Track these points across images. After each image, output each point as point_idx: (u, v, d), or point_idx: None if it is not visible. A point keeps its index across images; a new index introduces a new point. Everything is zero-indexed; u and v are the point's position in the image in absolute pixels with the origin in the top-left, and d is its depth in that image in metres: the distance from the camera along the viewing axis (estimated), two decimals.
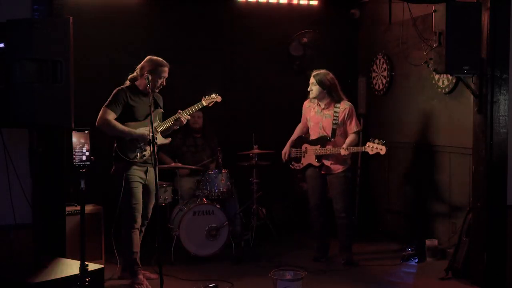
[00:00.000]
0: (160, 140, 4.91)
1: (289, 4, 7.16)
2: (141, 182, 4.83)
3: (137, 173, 4.80)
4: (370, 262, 5.69)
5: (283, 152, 5.80)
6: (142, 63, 4.85)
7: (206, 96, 5.20)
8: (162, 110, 5.01)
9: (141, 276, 4.83)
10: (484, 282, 4.86)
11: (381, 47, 6.91)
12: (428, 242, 5.77)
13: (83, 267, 3.61)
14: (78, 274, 3.61)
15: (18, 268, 3.85)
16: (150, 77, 4.65)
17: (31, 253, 3.88)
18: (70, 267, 3.82)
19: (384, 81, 6.86)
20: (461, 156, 5.61)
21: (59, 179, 4.35)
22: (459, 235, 5.24)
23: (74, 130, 3.67)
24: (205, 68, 6.92)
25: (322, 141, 5.54)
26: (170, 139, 5.07)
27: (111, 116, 4.69)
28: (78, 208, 5.23)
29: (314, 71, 5.60)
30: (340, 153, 5.35)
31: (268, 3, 7.04)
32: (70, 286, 3.62)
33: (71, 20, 3.72)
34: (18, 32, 3.59)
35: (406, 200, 6.49)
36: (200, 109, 5.19)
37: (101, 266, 4.00)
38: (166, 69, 4.83)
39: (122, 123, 4.74)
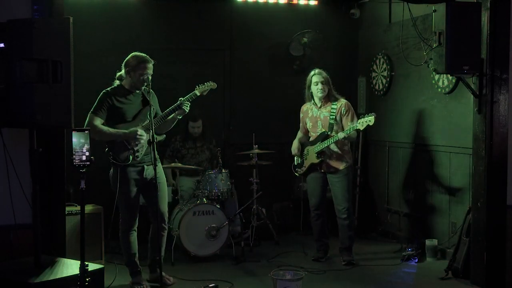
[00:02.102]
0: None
1: (289, 4, 7.16)
2: (136, 185, 4.74)
3: (132, 175, 4.70)
4: (370, 262, 5.69)
5: (293, 147, 5.79)
6: (126, 59, 4.74)
7: (200, 85, 5.02)
8: (153, 107, 4.83)
9: (141, 277, 4.83)
10: (484, 282, 4.85)
11: (381, 47, 6.91)
12: (428, 242, 5.77)
13: (83, 267, 3.60)
14: (78, 274, 3.61)
15: (18, 268, 3.84)
16: (149, 77, 4.62)
17: (31, 253, 3.88)
18: (70, 267, 3.83)
19: (384, 81, 6.85)
20: (461, 156, 5.61)
21: (59, 179, 4.35)
22: (459, 235, 5.25)
23: (74, 130, 3.67)
24: (205, 68, 6.93)
25: (321, 137, 5.56)
26: (164, 136, 5.00)
27: (98, 121, 4.59)
28: (78, 208, 5.24)
29: (316, 70, 5.62)
30: (339, 139, 5.37)
31: (267, 3, 7.03)
32: (70, 286, 3.62)
33: (71, 20, 3.72)
34: (18, 32, 3.59)
35: (406, 200, 6.48)
36: (195, 98, 4.99)
37: (101, 266, 4.01)
38: (149, 65, 4.67)
39: (112, 125, 4.65)
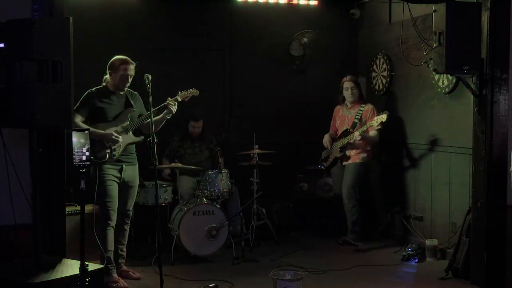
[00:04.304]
0: (131, 139, 4.94)
1: (289, 4, 7.16)
2: (115, 181, 4.85)
3: (110, 171, 4.82)
4: (370, 262, 5.69)
5: (323, 141, 6.39)
6: (109, 62, 4.90)
7: (182, 91, 5.14)
8: (134, 109, 4.98)
9: (115, 274, 4.85)
10: (484, 282, 4.85)
11: (381, 47, 6.90)
12: (428, 242, 5.77)
13: (83, 267, 3.61)
14: (78, 274, 3.61)
15: (18, 268, 3.84)
16: (150, 77, 4.63)
17: (31, 253, 3.88)
18: (70, 267, 3.83)
19: (384, 81, 6.85)
20: (461, 156, 5.61)
21: (59, 179, 4.36)
22: (459, 235, 5.25)
23: (74, 130, 3.67)
24: (205, 68, 6.93)
25: (344, 133, 6.16)
26: (142, 137, 4.99)
27: (78, 118, 4.69)
28: (78, 208, 5.24)
29: (348, 77, 6.27)
30: (355, 138, 5.95)
31: (267, 3, 7.03)
32: (70, 286, 3.62)
33: (71, 20, 3.72)
34: (18, 32, 3.59)
35: (405, 199, 6.48)
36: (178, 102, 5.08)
37: (101, 266, 4.01)
38: (129, 66, 4.83)
39: (93, 124, 4.75)
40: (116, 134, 4.79)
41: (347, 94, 6.22)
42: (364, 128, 5.94)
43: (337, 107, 6.43)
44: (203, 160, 6.45)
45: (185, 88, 5.18)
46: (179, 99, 5.08)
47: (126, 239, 5.09)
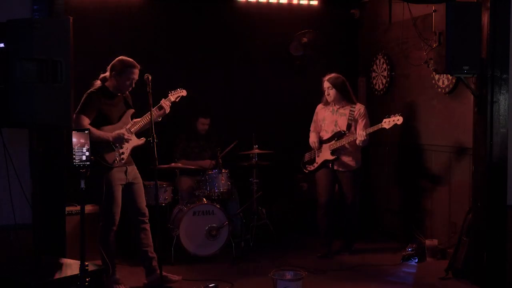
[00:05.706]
0: (136, 141, 4.85)
1: (289, 4, 7.16)
2: (121, 184, 4.77)
3: (117, 175, 4.71)
4: (370, 262, 5.69)
5: (311, 141, 5.93)
6: (112, 62, 4.76)
7: (172, 91, 5.06)
8: (133, 110, 4.91)
9: (117, 276, 4.82)
10: (484, 282, 4.86)
11: (381, 47, 6.91)
12: (428, 242, 5.77)
13: (83, 267, 3.60)
14: (78, 274, 3.61)
15: (18, 268, 3.84)
16: (150, 78, 4.59)
17: (31, 253, 3.88)
18: (70, 267, 3.83)
19: (384, 81, 6.86)
20: (461, 156, 5.61)
21: (59, 179, 4.35)
22: (459, 235, 5.25)
23: (74, 130, 3.67)
24: (205, 68, 6.92)
25: (337, 135, 5.77)
26: (144, 139, 4.89)
27: (86, 121, 4.55)
28: (78, 208, 5.24)
29: (326, 75, 5.84)
30: (358, 138, 5.53)
31: (268, 3, 7.04)
32: (70, 286, 3.62)
33: (71, 20, 3.72)
34: (18, 32, 3.59)
35: (405, 200, 6.49)
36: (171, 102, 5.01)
37: (101, 266, 4.00)
38: (135, 70, 4.70)
39: (96, 127, 4.61)
40: (128, 134, 4.70)
41: (326, 93, 5.82)
42: (373, 129, 5.52)
43: (319, 106, 5.99)
44: (207, 158, 6.46)
45: (183, 88, 5.17)
46: (172, 99, 5.01)
47: (151, 240, 4.89)
